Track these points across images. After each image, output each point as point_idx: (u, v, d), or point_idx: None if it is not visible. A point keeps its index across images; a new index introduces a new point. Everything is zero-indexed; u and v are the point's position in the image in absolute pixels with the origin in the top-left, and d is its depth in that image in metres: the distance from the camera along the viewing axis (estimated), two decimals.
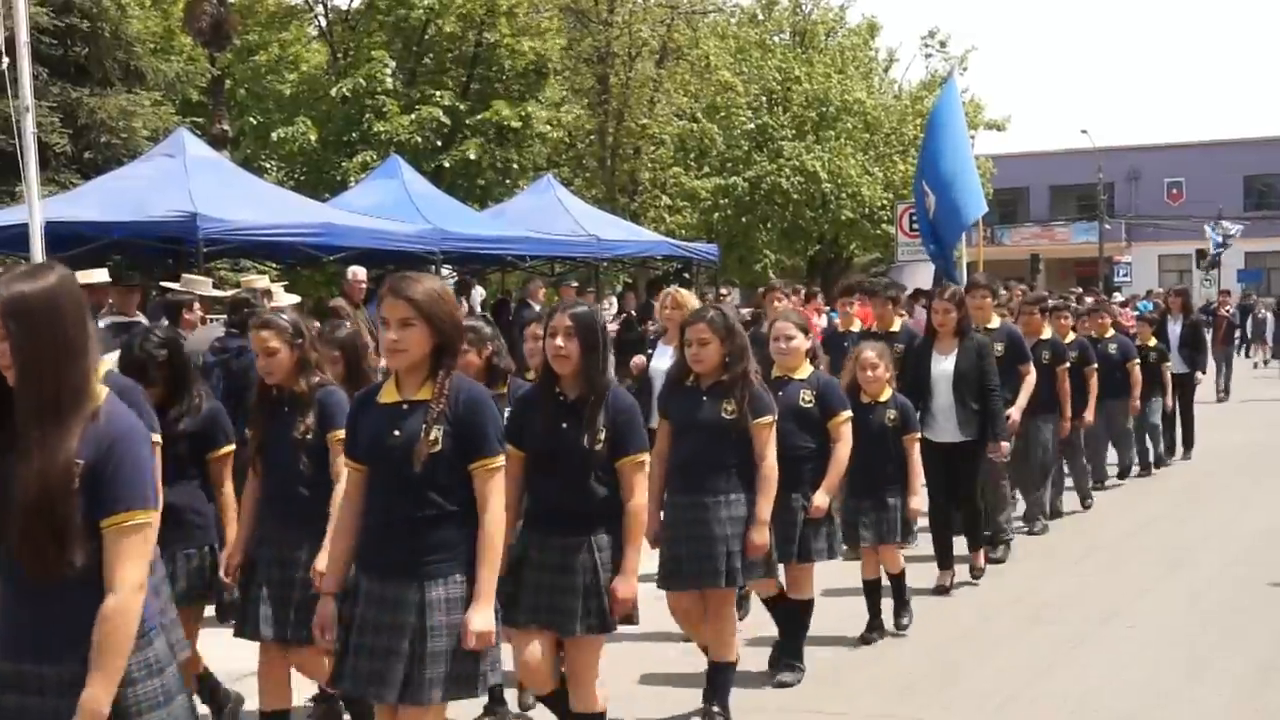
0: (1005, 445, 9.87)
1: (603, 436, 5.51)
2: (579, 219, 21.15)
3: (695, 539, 6.57)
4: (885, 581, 8.70)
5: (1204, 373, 18.03)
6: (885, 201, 38.68)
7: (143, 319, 11.24)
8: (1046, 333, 11.96)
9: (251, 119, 32.42)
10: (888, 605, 8.69)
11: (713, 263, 24.88)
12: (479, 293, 20.58)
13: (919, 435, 8.76)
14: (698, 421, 6.61)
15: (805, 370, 7.58)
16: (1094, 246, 54.83)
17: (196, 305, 10.88)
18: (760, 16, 43.36)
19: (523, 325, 17.26)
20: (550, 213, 20.94)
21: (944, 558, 9.86)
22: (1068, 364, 12.01)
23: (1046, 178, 63.03)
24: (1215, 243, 49.71)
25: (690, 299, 8.67)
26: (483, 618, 4.63)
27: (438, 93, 30.57)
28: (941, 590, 9.77)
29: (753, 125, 39.31)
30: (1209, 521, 12.82)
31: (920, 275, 25.72)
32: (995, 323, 10.88)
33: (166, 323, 10.65)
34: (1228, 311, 28.69)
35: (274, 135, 30.73)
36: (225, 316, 10.53)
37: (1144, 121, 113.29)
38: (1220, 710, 7.15)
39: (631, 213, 34.36)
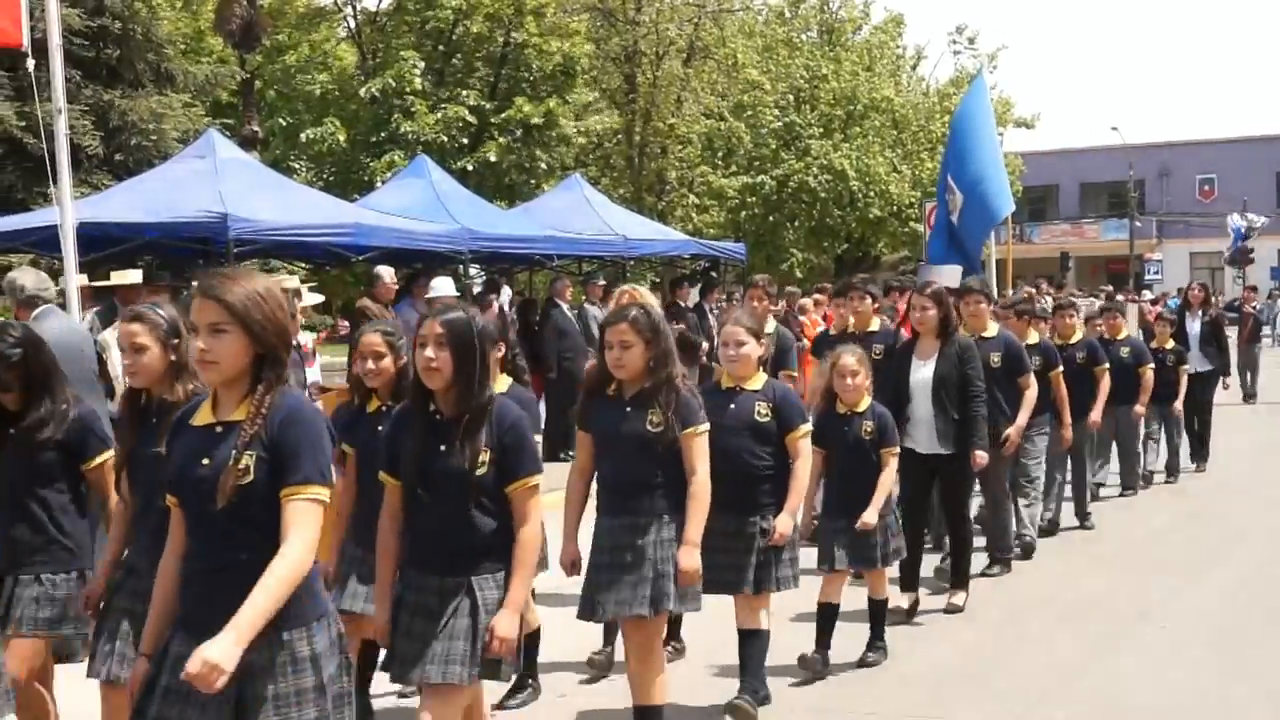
0: (981, 456, 8.85)
1: (486, 459, 4.88)
2: (606, 218, 21.14)
3: (617, 566, 5.99)
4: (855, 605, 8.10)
5: (1228, 375, 16.92)
6: (913, 199, 38.60)
7: None
8: (1032, 338, 11.03)
9: (281, 120, 32.57)
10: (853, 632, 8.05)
11: (740, 262, 24.83)
12: (506, 292, 20.59)
13: (897, 450, 7.92)
14: (621, 435, 5.99)
15: (759, 380, 6.92)
16: (1124, 244, 54.59)
17: None
18: (787, 14, 43.29)
19: (550, 324, 17.39)
20: (577, 212, 20.93)
21: (908, 578, 9.00)
22: (1060, 368, 11.08)
23: (1076, 175, 62.81)
24: (1237, 233, 48.37)
25: (649, 296, 7.41)
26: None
27: (465, 93, 30.64)
28: (904, 614, 8.87)
29: (780, 124, 39.25)
30: (1241, 520, 12.74)
31: (948, 273, 25.60)
32: (992, 330, 10.15)
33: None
34: (1254, 308, 26.82)
35: (303, 136, 30.87)
36: None
37: (1175, 118, 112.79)
38: (1254, 710, 7.11)
39: (659, 212, 34.37)
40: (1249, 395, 23.94)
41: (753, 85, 38.06)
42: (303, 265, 19.69)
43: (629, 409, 5.96)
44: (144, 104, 19.46)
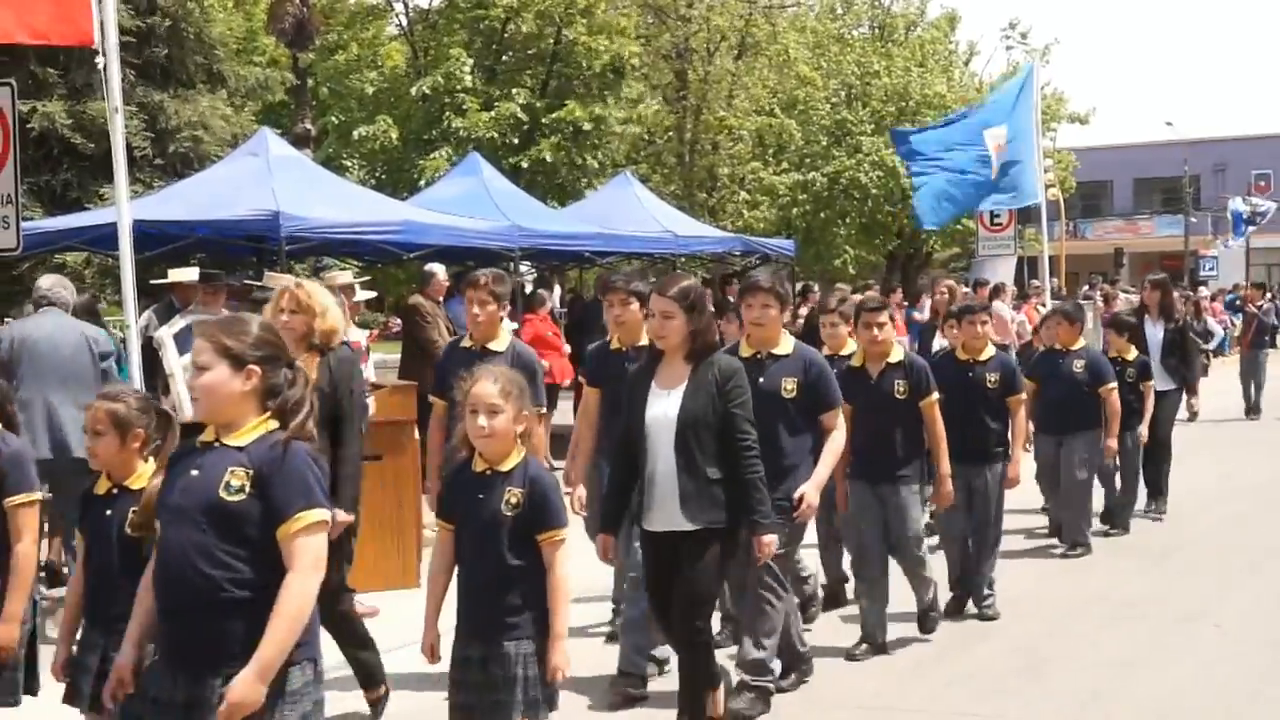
0: (769, 541, 6.32)
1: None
2: (656, 215, 21.16)
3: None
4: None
5: (1194, 394, 13.35)
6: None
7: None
8: (988, 351, 9.22)
9: (333, 118, 32.74)
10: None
11: (790, 258, 24.79)
12: (556, 290, 20.67)
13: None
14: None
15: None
16: (1179, 240, 54.13)
17: None
18: (839, 10, 43.14)
19: (600, 322, 17.40)
20: (627, 209, 20.95)
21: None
22: (1018, 393, 9.22)
23: (1130, 170, 62.29)
24: (1239, 217, 44.42)
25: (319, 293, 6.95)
26: None
27: (516, 90, 30.72)
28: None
29: (831, 120, 39.11)
30: None
31: (1001, 269, 25.51)
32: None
33: None
34: (1258, 308, 22.92)
35: (355, 134, 31.03)
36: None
37: (1230, 112, 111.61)
38: None
39: (709, 208, 34.33)
40: (1252, 409, 21.32)
41: (804, 81, 37.95)
42: (354, 263, 19.79)
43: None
44: (195, 106, 19.60)
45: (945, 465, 8.11)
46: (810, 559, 8.88)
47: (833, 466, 7.10)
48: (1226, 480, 14.83)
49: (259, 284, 12.06)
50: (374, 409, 9.13)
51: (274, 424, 4.14)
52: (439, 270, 14.64)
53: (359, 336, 11.73)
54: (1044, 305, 16.64)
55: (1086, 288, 35.14)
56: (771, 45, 37.00)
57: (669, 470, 6.14)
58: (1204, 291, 35.81)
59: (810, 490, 6.84)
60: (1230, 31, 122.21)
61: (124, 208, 9.23)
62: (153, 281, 12.05)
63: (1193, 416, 18.60)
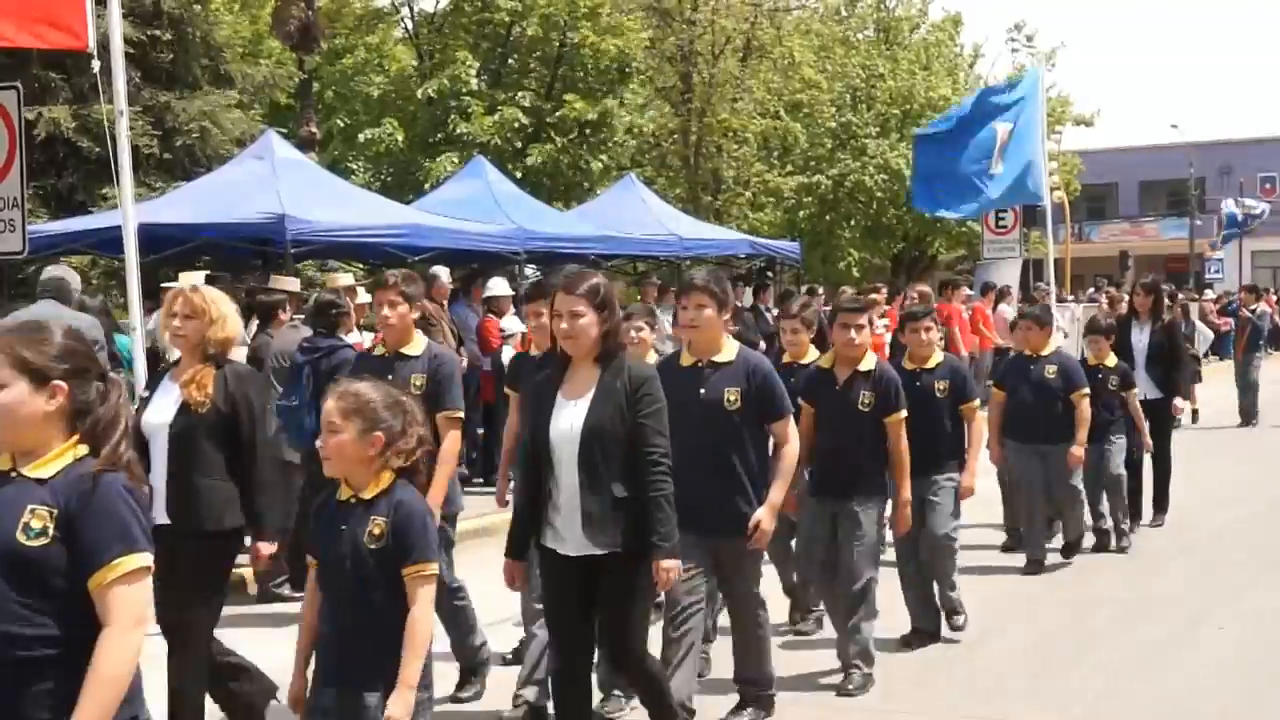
0: (670, 565, 5.56)
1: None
2: (661, 218, 21.21)
3: None
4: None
5: (1184, 399, 13.01)
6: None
7: None
8: (936, 358, 8.64)
9: (339, 121, 32.79)
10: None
11: (795, 261, 24.82)
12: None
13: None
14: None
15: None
16: (1184, 243, 54.06)
17: (288, 306, 11.08)
18: (844, 13, 43.15)
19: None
20: (632, 212, 21.00)
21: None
22: (971, 400, 8.67)
23: (1136, 173, 62.19)
24: (1231, 220, 43.10)
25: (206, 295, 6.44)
26: None
27: (521, 94, 30.77)
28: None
29: (836, 123, 39.13)
30: None
31: (1006, 272, 25.50)
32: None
33: (259, 324, 10.88)
34: (1251, 312, 21.91)
35: (361, 137, 31.09)
36: (304, 317, 10.66)
37: (1236, 115, 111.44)
38: None
39: (714, 211, 34.34)
40: (1249, 418, 20.73)
41: (809, 84, 37.97)
42: (359, 266, 19.83)
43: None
44: (201, 106, 19.62)
45: (907, 490, 7.57)
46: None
47: (787, 484, 6.51)
48: (1233, 484, 14.81)
49: (265, 287, 12.09)
50: None
51: (84, 449, 3.48)
52: (443, 273, 14.65)
53: (363, 339, 11.75)
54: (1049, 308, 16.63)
55: (1092, 290, 35.11)
56: (776, 48, 37.00)
57: (573, 488, 5.54)
58: (1209, 294, 35.80)
59: (765, 515, 6.36)
60: (1236, 33, 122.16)
61: (129, 211, 9.25)
62: (162, 285, 12.08)
63: (1194, 417, 18.76)
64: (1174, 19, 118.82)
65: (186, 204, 14.61)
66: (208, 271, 12.59)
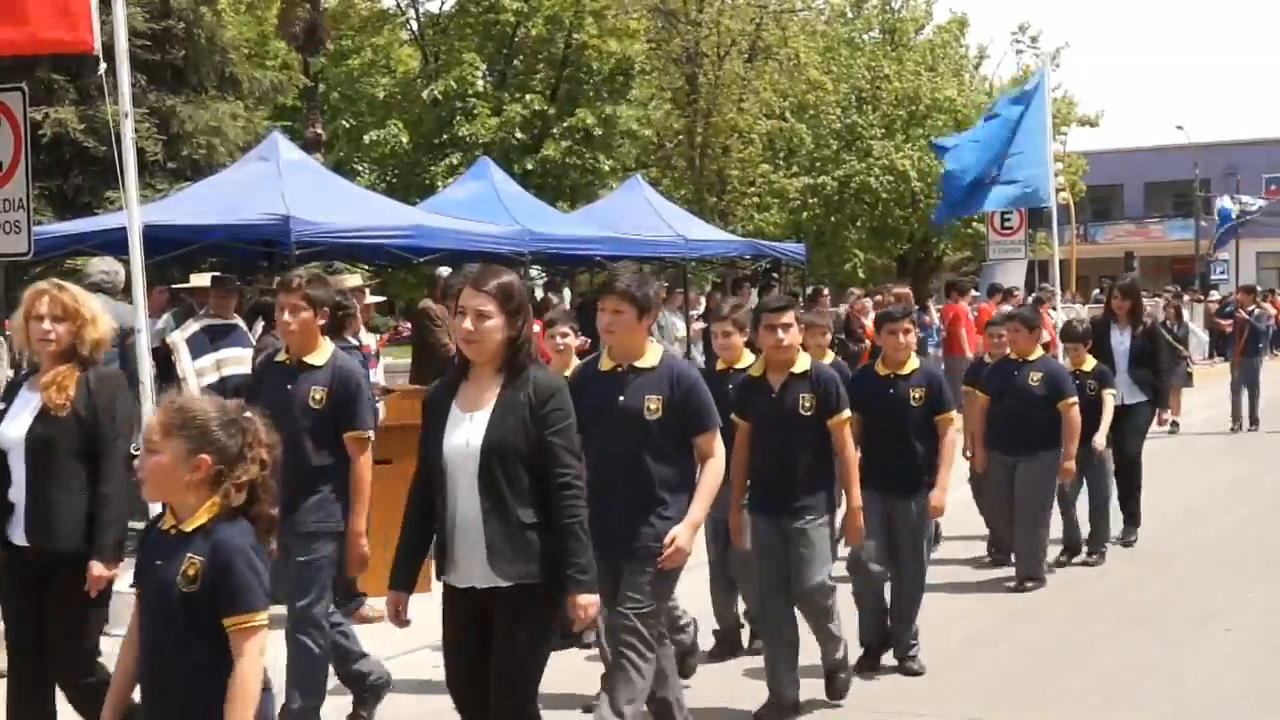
0: (588, 602, 4.93)
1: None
2: (667, 219, 21.19)
3: None
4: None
5: (1167, 409, 12.34)
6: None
7: (239, 322, 11.45)
8: (912, 364, 7.96)
9: (344, 122, 32.85)
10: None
11: (801, 262, 24.79)
12: (567, 294, 20.68)
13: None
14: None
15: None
16: (1190, 244, 54.03)
17: None
18: (849, 14, 43.17)
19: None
20: (638, 213, 20.97)
21: None
22: (947, 410, 7.87)
23: (1141, 174, 62.18)
24: (1225, 216, 41.52)
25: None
26: None
27: (527, 95, 30.81)
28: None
29: (842, 124, 39.15)
30: None
31: (1012, 273, 25.50)
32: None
33: (263, 326, 10.89)
34: (1250, 313, 21.03)
35: (366, 138, 31.15)
36: None
37: (1241, 116, 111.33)
38: None
39: (719, 212, 34.36)
40: (1251, 421, 20.22)
41: (814, 85, 38.00)
42: (365, 267, 19.83)
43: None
44: (207, 109, 19.65)
45: (856, 496, 6.98)
46: (695, 601, 7.85)
47: (709, 501, 5.91)
48: (1237, 485, 14.79)
49: (272, 289, 12.11)
50: (384, 413, 9.16)
51: None
52: (448, 273, 14.66)
53: (369, 341, 11.76)
54: (1055, 309, 16.56)
55: (1097, 291, 35.10)
56: (782, 49, 37.04)
57: (473, 513, 4.88)
58: (1214, 295, 35.78)
59: (683, 532, 5.76)
60: (1241, 34, 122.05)
61: (134, 212, 9.23)
62: (173, 286, 12.10)
63: (1173, 428, 18.36)
64: (1179, 19, 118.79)
65: (192, 205, 14.60)
66: (215, 273, 12.60)
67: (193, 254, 14.60)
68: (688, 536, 5.80)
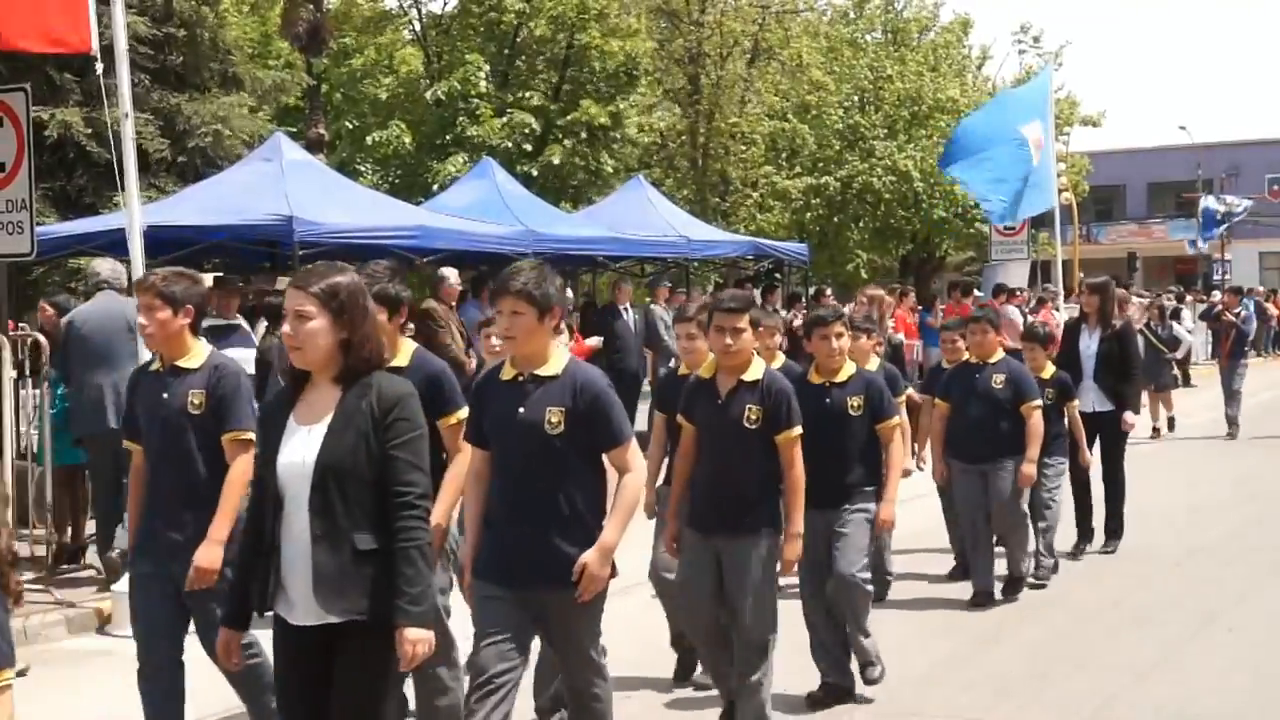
0: (418, 638, 4.44)
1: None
2: (669, 220, 21.21)
3: None
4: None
5: (1136, 412, 11.54)
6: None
7: (242, 322, 11.46)
8: (847, 370, 7.37)
9: (347, 123, 32.86)
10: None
11: (803, 262, 24.81)
12: (569, 294, 20.69)
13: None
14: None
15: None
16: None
17: None
18: (852, 15, 43.15)
19: (611, 327, 17.45)
20: (640, 214, 21.00)
21: None
22: (890, 418, 7.43)
23: (1144, 174, 62.15)
24: (1210, 217, 41.31)
25: None
26: None
27: (529, 94, 30.82)
28: None
29: (844, 124, 39.13)
30: None
31: (1014, 273, 25.53)
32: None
33: (266, 326, 10.91)
34: (1235, 315, 20.63)
35: (369, 139, 31.15)
36: None
37: (1243, 116, 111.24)
38: None
39: (722, 212, 34.36)
40: (1231, 428, 19.35)
41: (817, 86, 38.00)
42: None
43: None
44: (210, 108, 19.64)
45: (798, 521, 6.33)
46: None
47: (625, 524, 5.34)
48: (1239, 486, 14.78)
49: (274, 289, 12.12)
50: None
51: None
52: (451, 274, 14.68)
53: None
54: (1059, 309, 16.55)
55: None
56: (784, 50, 37.03)
57: (304, 539, 4.45)
58: (1216, 295, 35.74)
59: (594, 558, 5.21)
60: (1244, 35, 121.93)
61: (135, 212, 9.26)
62: None
63: (1154, 433, 18.27)
64: (1182, 19, 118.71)
65: (194, 206, 14.63)
66: (218, 274, 12.62)
67: (196, 254, 14.61)
68: (599, 562, 5.21)
